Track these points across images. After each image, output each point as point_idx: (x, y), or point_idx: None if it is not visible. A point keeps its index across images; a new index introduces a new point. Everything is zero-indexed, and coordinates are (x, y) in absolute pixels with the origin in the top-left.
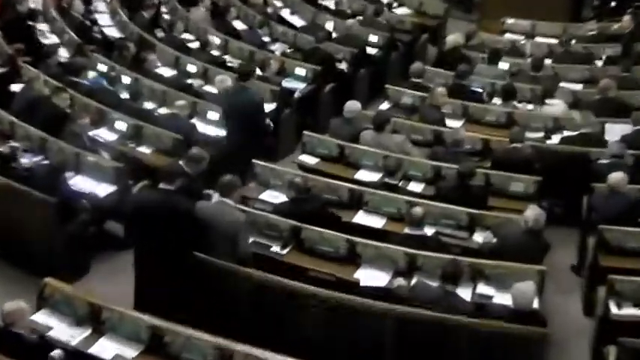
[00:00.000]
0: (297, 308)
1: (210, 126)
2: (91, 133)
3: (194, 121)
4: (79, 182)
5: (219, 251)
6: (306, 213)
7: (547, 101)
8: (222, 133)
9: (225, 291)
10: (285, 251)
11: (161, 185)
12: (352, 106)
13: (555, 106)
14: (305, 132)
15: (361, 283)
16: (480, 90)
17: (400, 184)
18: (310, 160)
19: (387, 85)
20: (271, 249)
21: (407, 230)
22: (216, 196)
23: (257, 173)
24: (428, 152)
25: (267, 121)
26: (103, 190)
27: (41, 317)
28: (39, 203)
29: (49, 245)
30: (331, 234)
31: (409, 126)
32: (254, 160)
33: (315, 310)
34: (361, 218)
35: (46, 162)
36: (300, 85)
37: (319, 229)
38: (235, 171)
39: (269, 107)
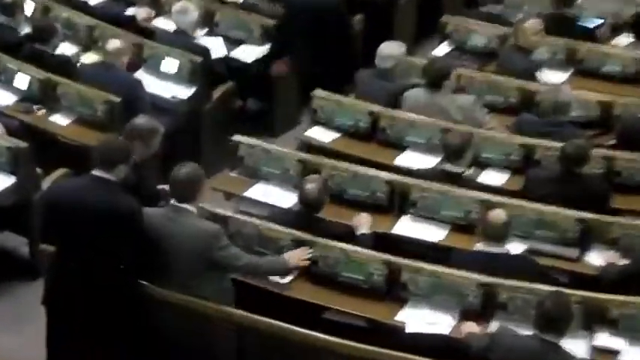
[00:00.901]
0: None
1: (166, 81)
2: None
3: (140, 74)
4: None
5: (180, 280)
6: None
7: None
8: (184, 92)
9: (191, 342)
10: (287, 280)
11: (95, 173)
12: (391, 49)
13: None
14: (316, 91)
15: (408, 330)
16: (597, 22)
17: (469, 173)
18: (324, 135)
19: (445, 17)
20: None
21: (481, 246)
22: (173, 201)
23: (242, 157)
24: (513, 123)
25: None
26: None
27: None
28: None
29: None
30: (361, 253)
31: (482, 81)
32: (236, 137)
33: None
34: (407, 228)
35: None
36: None
37: (342, 245)
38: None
39: (258, 51)
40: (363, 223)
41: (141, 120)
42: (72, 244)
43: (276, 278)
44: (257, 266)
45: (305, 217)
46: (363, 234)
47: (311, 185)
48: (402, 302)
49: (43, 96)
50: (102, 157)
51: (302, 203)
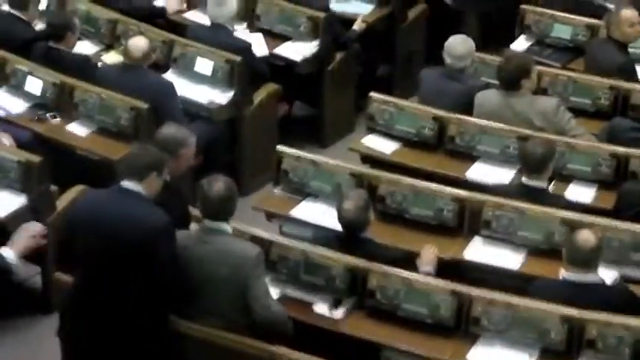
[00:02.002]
0: None
1: (200, 84)
2: None
3: (169, 76)
4: None
5: (213, 312)
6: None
7: None
8: (221, 96)
9: None
10: (339, 313)
11: (123, 184)
12: (459, 45)
13: None
14: (372, 94)
15: None
16: None
17: (552, 187)
18: (382, 145)
19: (523, 6)
20: (314, 309)
21: (565, 274)
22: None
23: (287, 171)
24: (603, 129)
25: None
26: (3, 204)
27: None
28: None
29: None
30: (425, 282)
31: (567, 80)
32: (280, 147)
33: None
34: (478, 252)
35: None
36: (364, 9)
37: (403, 272)
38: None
39: (306, 48)
40: (427, 258)
41: (169, 129)
42: (92, 269)
43: (325, 311)
44: (284, 319)
45: (348, 239)
46: (426, 271)
47: (348, 202)
48: (473, 339)
49: (59, 102)
50: (130, 166)
51: (340, 223)
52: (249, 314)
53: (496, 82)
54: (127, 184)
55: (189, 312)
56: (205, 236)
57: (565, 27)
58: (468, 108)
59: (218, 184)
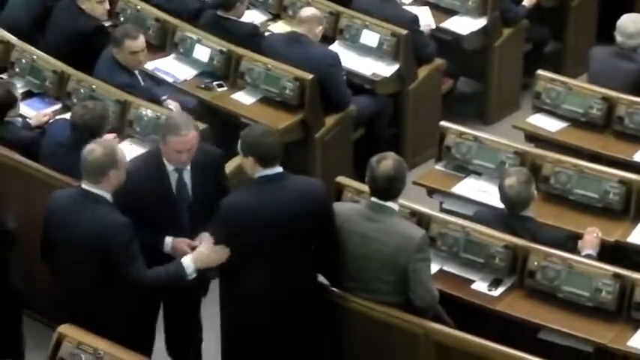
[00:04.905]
0: None
1: (365, 56)
2: (147, 67)
3: (335, 47)
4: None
5: (368, 290)
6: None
7: None
8: (386, 69)
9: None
10: (498, 292)
11: (265, 172)
12: (631, 23)
13: None
14: (540, 71)
15: None
16: None
17: None
18: (548, 123)
19: None
20: (472, 287)
21: None
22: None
23: (450, 147)
24: None
25: None
26: None
27: None
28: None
29: None
30: (587, 264)
31: None
32: (443, 123)
33: None
34: None
35: (65, 117)
36: None
37: (564, 254)
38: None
39: (473, 23)
40: (590, 241)
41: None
42: (249, 252)
43: (484, 289)
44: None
45: (508, 217)
46: (588, 255)
47: (510, 179)
48: (635, 325)
49: (225, 71)
50: (273, 153)
51: (502, 201)
52: (400, 295)
53: None
54: (269, 171)
55: (343, 285)
56: (372, 213)
57: None
58: (638, 88)
59: (386, 163)
